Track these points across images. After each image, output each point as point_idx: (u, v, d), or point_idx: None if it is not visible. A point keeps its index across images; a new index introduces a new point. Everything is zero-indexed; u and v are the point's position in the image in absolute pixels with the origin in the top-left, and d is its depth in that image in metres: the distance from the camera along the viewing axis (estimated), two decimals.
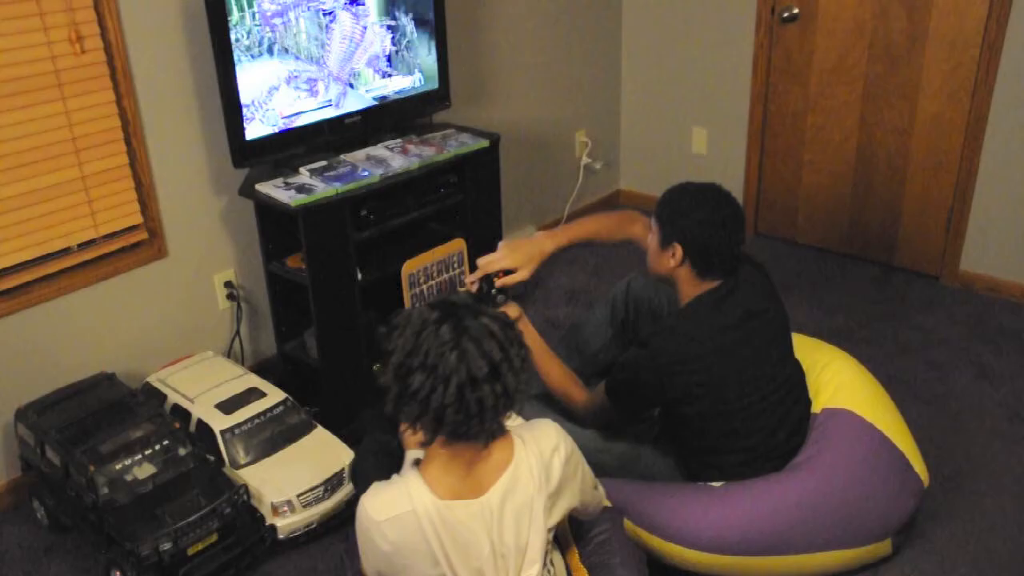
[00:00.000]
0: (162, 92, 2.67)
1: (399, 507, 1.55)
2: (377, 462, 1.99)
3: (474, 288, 2.29)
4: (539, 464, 1.61)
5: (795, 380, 2.32)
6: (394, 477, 1.62)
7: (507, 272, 2.32)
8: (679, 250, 2.14)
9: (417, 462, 1.65)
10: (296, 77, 2.69)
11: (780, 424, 2.23)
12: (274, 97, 2.66)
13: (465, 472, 1.58)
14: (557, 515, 1.67)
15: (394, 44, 2.94)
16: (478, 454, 1.58)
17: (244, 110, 2.59)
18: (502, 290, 2.28)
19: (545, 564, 1.69)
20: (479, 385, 1.48)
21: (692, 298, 2.18)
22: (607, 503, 2.17)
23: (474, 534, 1.57)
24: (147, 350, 2.83)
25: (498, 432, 1.58)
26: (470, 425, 1.50)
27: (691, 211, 2.13)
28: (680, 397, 2.15)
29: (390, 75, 2.96)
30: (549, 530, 1.65)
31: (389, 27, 2.90)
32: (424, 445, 1.57)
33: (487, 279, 2.29)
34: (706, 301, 2.16)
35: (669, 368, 2.12)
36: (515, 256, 2.32)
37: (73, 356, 2.66)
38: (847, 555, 2.19)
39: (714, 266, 2.15)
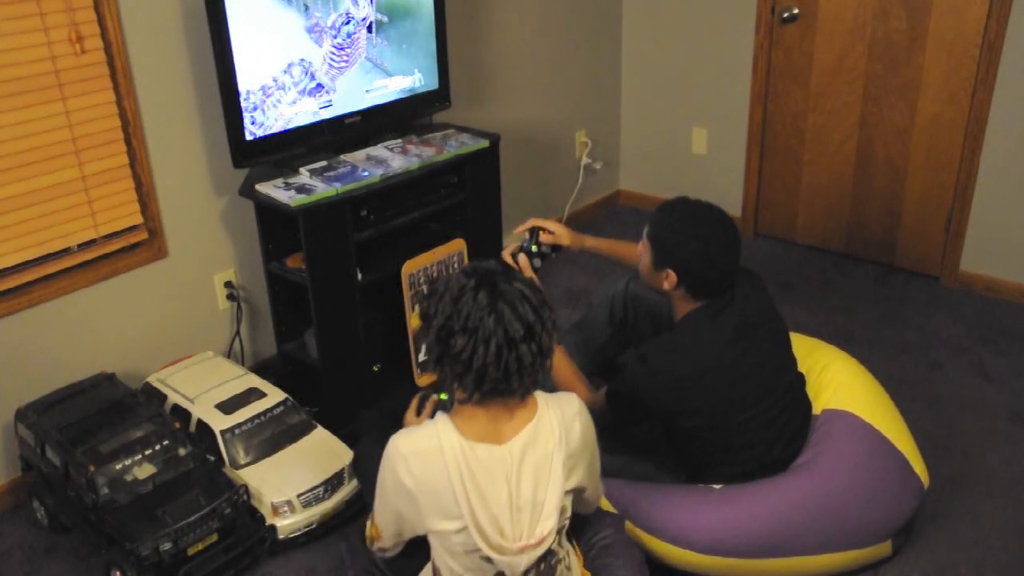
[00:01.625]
0: (162, 92, 2.67)
1: (427, 442, 1.64)
2: (377, 462, 1.99)
3: (517, 232, 2.47)
4: (560, 424, 1.69)
5: (795, 390, 2.32)
6: (425, 422, 1.72)
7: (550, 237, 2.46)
8: (673, 276, 2.14)
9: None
10: (295, 73, 2.69)
11: (780, 435, 2.23)
12: (274, 96, 2.66)
13: (492, 423, 1.66)
14: (574, 480, 1.73)
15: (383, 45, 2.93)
16: (506, 410, 1.66)
17: (244, 112, 2.59)
18: (540, 252, 2.43)
19: (560, 536, 1.73)
20: (516, 345, 1.58)
21: (687, 312, 2.18)
22: (611, 509, 2.18)
23: (493, 479, 1.64)
24: (147, 350, 2.83)
25: (534, 387, 1.68)
26: (510, 382, 1.60)
27: (685, 241, 2.10)
28: (679, 412, 2.16)
29: (388, 76, 2.96)
30: (567, 493, 1.71)
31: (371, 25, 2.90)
32: (463, 402, 1.66)
33: (534, 231, 2.44)
34: (702, 317, 2.15)
35: (668, 385, 2.13)
36: (560, 226, 2.46)
37: (73, 356, 2.66)
38: (847, 557, 2.19)
39: (709, 291, 2.15)
